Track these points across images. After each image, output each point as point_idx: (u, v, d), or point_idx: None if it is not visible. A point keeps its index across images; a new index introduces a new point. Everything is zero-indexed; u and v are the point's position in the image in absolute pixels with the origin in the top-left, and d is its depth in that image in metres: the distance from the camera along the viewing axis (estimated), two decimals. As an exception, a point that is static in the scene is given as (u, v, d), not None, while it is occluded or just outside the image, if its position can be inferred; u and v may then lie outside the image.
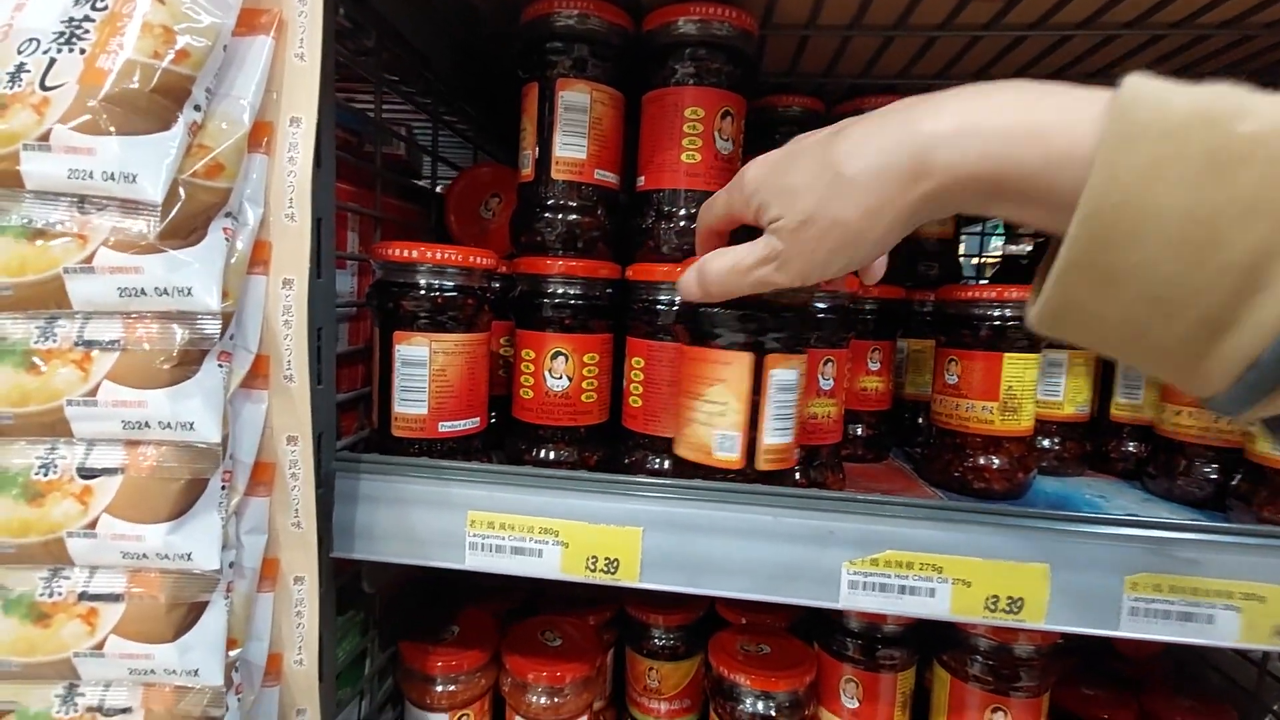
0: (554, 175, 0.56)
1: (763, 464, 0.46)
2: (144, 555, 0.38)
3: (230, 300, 0.39)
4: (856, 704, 0.63)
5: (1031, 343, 0.56)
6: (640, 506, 0.44)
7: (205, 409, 0.38)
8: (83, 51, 0.38)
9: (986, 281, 1.15)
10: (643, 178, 0.58)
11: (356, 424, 0.61)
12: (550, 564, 0.45)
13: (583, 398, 0.56)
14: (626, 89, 0.58)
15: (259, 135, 0.41)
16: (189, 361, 0.38)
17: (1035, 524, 0.42)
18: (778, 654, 0.63)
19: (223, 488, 0.40)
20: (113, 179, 0.36)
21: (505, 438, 0.59)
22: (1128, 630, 0.41)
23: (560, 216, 0.56)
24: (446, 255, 0.50)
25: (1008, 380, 0.56)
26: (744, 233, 0.41)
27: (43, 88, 0.37)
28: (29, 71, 0.37)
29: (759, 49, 0.68)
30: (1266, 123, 0.24)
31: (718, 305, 0.45)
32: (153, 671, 0.39)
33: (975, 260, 1.28)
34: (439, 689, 0.61)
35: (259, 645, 0.44)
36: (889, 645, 0.63)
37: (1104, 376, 0.70)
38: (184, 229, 0.38)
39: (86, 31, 0.38)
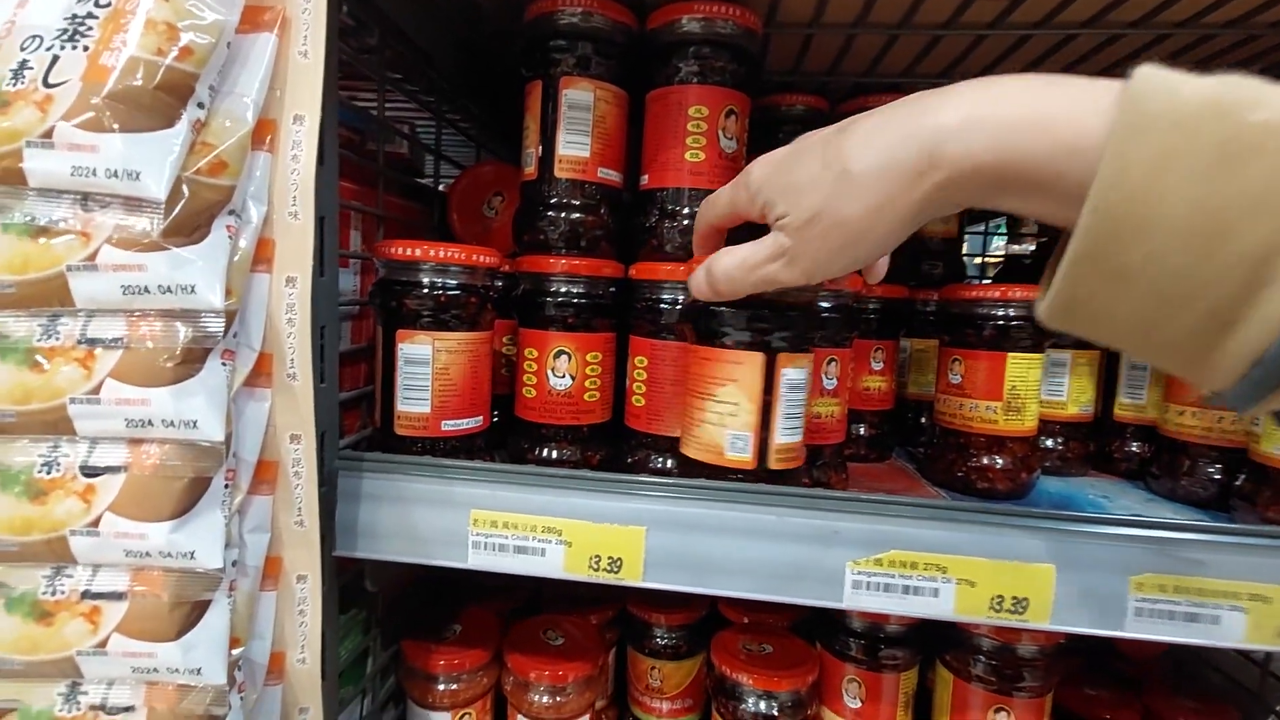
0: (557, 174, 0.56)
1: (774, 463, 0.46)
2: (147, 554, 0.38)
3: (233, 298, 0.39)
4: (859, 704, 0.63)
5: (1035, 342, 0.56)
6: (644, 506, 0.44)
7: (208, 407, 0.38)
8: (86, 48, 0.37)
9: (990, 281, 1.16)
10: (646, 176, 0.58)
11: (359, 423, 0.60)
12: (553, 563, 0.45)
13: (585, 397, 0.56)
14: (630, 87, 0.58)
15: (262, 133, 0.41)
16: (192, 360, 0.38)
17: (1040, 524, 0.42)
18: (780, 653, 0.63)
19: (226, 486, 0.39)
20: (116, 176, 0.36)
21: (508, 437, 0.59)
22: (1133, 631, 0.41)
23: (563, 215, 0.56)
24: (449, 254, 0.50)
25: (1011, 380, 0.56)
26: (743, 231, 0.41)
27: (46, 85, 0.37)
28: (32, 68, 0.37)
29: (763, 47, 0.68)
30: (1278, 113, 0.24)
31: (726, 305, 0.44)
32: (155, 670, 0.39)
33: (979, 260, 1.27)
34: (441, 688, 0.61)
35: (262, 644, 0.44)
36: (891, 645, 0.63)
37: (1108, 377, 0.69)
38: (187, 227, 0.38)
39: (90, 28, 0.38)
